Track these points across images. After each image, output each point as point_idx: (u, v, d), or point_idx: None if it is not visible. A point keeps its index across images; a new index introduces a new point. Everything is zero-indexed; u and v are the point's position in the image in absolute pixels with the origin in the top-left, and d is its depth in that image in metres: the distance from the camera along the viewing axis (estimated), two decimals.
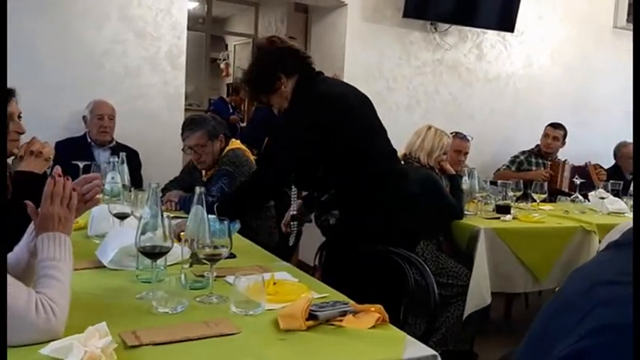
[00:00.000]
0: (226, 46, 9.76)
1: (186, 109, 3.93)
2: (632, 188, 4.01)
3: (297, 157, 2.15)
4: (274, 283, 1.64)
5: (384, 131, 2.34)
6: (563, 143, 4.49)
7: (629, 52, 5.39)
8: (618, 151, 4.77)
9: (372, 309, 1.40)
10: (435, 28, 4.52)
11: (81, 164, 2.65)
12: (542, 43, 5.01)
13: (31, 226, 1.41)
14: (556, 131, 4.45)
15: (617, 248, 0.74)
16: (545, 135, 4.47)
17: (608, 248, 0.76)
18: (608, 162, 4.87)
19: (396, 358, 1.21)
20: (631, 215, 3.53)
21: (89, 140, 3.42)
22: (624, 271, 0.67)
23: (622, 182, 3.97)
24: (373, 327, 1.35)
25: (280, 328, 1.31)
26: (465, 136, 3.58)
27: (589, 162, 4.47)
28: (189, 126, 2.86)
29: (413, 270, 1.80)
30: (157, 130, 3.73)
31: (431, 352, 1.25)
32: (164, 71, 3.74)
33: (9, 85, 1.92)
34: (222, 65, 9.49)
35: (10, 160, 2.03)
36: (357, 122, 2.18)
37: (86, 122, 3.45)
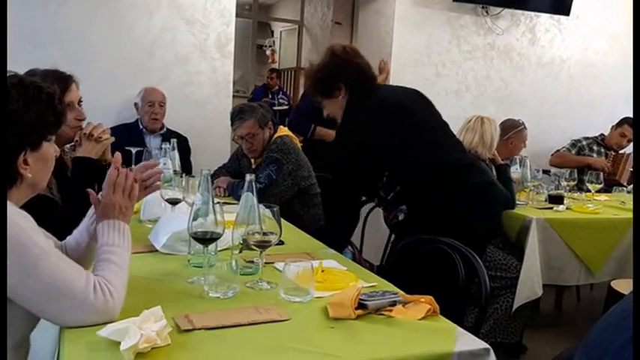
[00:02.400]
0: (272, 32, 9.79)
1: (233, 97, 3.95)
2: None
3: (356, 167, 2.22)
4: (322, 271, 1.64)
5: (445, 125, 2.37)
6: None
7: None
8: None
9: (422, 300, 1.39)
10: (487, 12, 4.40)
11: (133, 150, 2.71)
12: (600, 28, 4.80)
13: (90, 211, 1.45)
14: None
15: None
16: (622, 134, 4.26)
17: None
18: None
19: (447, 350, 1.19)
20: None
21: (141, 127, 3.49)
22: None
23: None
24: (423, 318, 1.33)
25: (330, 316, 1.31)
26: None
27: None
28: (238, 115, 2.88)
29: (463, 261, 1.77)
30: (205, 117, 3.78)
31: (483, 345, 1.23)
32: (212, 58, 3.78)
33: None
34: (268, 52, 9.54)
35: (67, 145, 2.10)
36: (415, 124, 2.23)
37: (138, 109, 3.52)
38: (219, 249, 1.72)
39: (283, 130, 2.92)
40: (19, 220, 1.13)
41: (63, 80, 1.92)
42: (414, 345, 1.20)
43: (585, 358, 0.71)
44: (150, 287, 1.47)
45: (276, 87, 7.90)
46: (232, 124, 2.89)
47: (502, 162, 3.16)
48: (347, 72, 2.24)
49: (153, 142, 3.41)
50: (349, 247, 2.68)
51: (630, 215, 3.12)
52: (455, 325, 1.30)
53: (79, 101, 2.03)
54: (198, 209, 1.57)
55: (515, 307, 2.82)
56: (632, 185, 3.79)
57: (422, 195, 2.28)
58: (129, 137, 3.20)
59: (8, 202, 1.16)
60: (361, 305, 1.34)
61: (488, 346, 1.22)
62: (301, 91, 7.56)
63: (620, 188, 3.80)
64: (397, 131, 2.17)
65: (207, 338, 1.18)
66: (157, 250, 1.79)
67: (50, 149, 1.28)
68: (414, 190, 2.31)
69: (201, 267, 1.62)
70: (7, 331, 1.15)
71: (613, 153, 4.27)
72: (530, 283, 2.83)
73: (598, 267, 2.97)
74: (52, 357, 1.38)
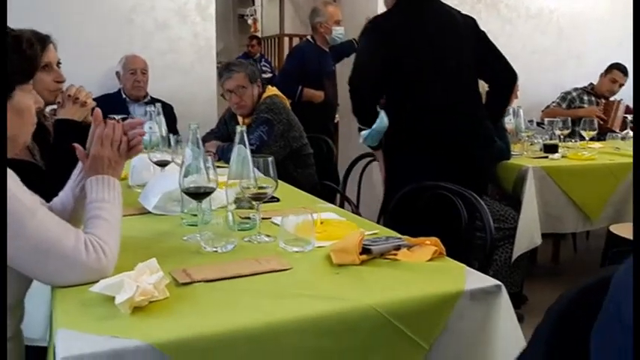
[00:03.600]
0: (253, 1, 9.59)
1: (216, 67, 3.85)
2: None
3: (359, 63, 2.31)
4: (321, 223, 1.59)
5: (444, 79, 2.33)
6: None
7: None
8: None
9: (428, 242, 1.34)
10: None
11: (118, 117, 2.62)
12: None
13: (76, 171, 1.38)
14: (624, 78, 4.22)
15: None
16: (612, 80, 4.22)
17: None
18: None
19: (458, 289, 1.14)
20: None
21: (124, 96, 3.39)
22: None
23: None
24: (430, 260, 1.29)
25: (333, 263, 1.26)
26: None
27: None
28: (227, 68, 2.79)
29: (465, 206, 1.72)
30: (190, 83, 3.67)
31: (494, 282, 1.18)
32: (193, 23, 3.66)
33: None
34: (249, 21, 9.35)
35: (48, 109, 2.01)
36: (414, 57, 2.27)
37: (119, 78, 3.41)
38: (212, 208, 1.66)
39: (272, 90, 2.83)
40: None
41: (40, 40, 1.82)
42: (423, 285, 1.16)
43: (629, 278, 0.66)
44: (143, 246, 1.41)
45: (258, 54, 7.75)
46: (221, 78, 2.80)
47: None
48: None
49: (137, 110, 3.32)
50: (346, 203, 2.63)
51: (626, 160, 3.09)
52: (464, 265, 1.26)
53: (58, 63, 1.93)
54: (189, 165, 1.50)
55: (514, 256, 2.79)
56: (625, 131, 3.76)
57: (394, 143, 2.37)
58: (112, 107, 3.09)
59: None
60: (365, 250, 1.29)
61: (499, 282, 1.18)
62: (285, 56, 7.43)
63: (613, 135, 3.77)
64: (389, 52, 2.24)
65: (208, 290, 1.12)
66: (148, 212, 1.73)
67: (25, 99, 1.18)
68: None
69: (195, 225, 1.56)
70: None
71: (603, 101, 4.24)
72: (528, 233, 2.80)
73: (596, 213, 2.95)
74: (46, 319, 1.33)
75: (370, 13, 4.15)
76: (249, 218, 1.60)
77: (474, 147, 2.35)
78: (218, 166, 2.32)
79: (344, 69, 4.30)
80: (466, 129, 2.32)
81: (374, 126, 2.36)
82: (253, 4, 9.53)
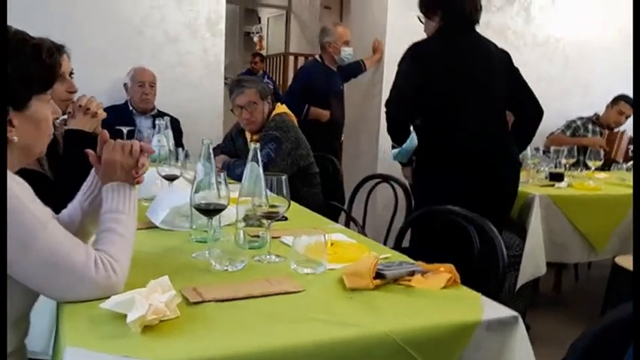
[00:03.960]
0: (259, 19, 9.66)
1: (225, 84, 3.85)
2: None
3: (397, 87, 2.46)
4: (332, 244, 1.57)
5: (475, 102, 2.45)
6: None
7: None
8: None
9: (442, 269, 1.32)
10: None
11: (125, 129, 2.61)
12: (594, 7, 4.75)
13: (85, 185, 1.36)
14: (631, 109, 4.23)
15: None
16: (619, 112, 4.23)
17: None
18: None
19: (475, 319, 1.12)
20: None
21: (131, 108, 3.38)
22: None
23: None
24: (444, 287, 1.26)
25: (346, 287, 1.24)
26: None
27: None
28: (239, 84, 2.79)
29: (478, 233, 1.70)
30: (197, 98, 3.67)
31: (511, 312, 1.16)
32: (203, 38, 3.67)
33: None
34: (255, 38, 9.41)
35: (58, 119, 1.99)
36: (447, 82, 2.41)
37: (127, 90, 3.41)
38: (222, 224, 1.63)
39: (282, 108, 2.82)
40: (13, 186, 1.04)
41: (58, 49, 1.81)
42: (439, 314, 1.13)
43: None
44: (151, 262, 1.39)
45: (261, 71, 7.78)
46: (231, 94, 2.79)
47: None
48: (450, 2, 2.45)
49: (144, 123, 3.30)
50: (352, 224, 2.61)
51: (631, 191, 3.08)
52: (479, 293, 1.24)
53: (70, 73, 1.92)
54: (201, 181, 1.48)
55: (519, 284, 2.77)
56: (630, 162, 3.76)
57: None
58: (119, 119, 3.09)
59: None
60: (379, 275, 1.26)
61: (516, 313, 1.15)
62: (291, 75, 7.46)
63: (617, 165, 3.77)
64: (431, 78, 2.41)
65: (219, 310, 1.10)
66: (155, 227, 1.70)
67: (42, 109, 1.16)
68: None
69: (204, 242, 1.54)
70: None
71: (607, 131, 4.24)
72: (534, 261, 2.78)
73: (602, 244, 2.94)
74: (51, 333, 1.29)
75: (379, 35, 4.19)
76: (258, 237, 1.58)
77: (502, 167, 2.47)
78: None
79: (351, 89, 4.32)
80: (495, 150, 2.45)
81: (404, 145, 2.54)
82: (259, 22, 9.60)
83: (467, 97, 2.42)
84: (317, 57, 4.02)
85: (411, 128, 2.54)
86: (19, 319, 1.14)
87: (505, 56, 2.59)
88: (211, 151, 1.54)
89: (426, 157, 2.51)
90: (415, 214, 1.91)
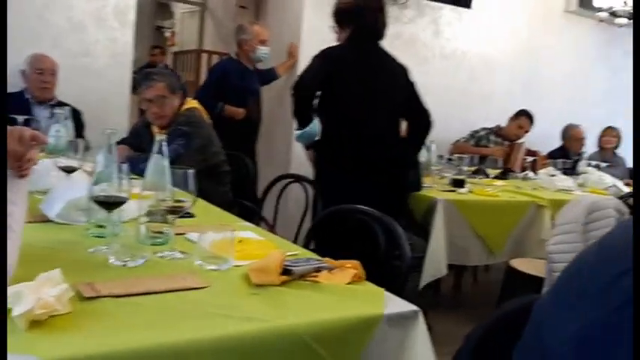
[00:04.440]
0: (172, 14, 9.40)
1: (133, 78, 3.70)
2: (579, 167, 4.12)
3: (304, 76, 2.67)
4: (240, 241, 1.54)
5: (376, 109, 2.65)
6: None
7: (578, 36, 5.52)
8: (566, 133, 4.90)
9: (349, 265, 1.33)
10: (395, 0, 4.46)
11: (20, 119, 2.44)
12: (497, 23, 5.03)
13: None
14: (530, 125, 4.51)
15: None
16: (519, 126, 4.50)
17: None
18: (554, 144, 5.00)
19: (377, 312, 1.13)
20: (578, 192, 3.61)
21: (28, 96, 3.17)
22: None
23: (570, 161, 4.09)
24: (350, 283, 1.27)
25: (252, 283, 1.22)
26: None
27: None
28: (147, 77, 2.67)
29: (383, 233, 1.73)
30: (102, 89, 3.50)
31: (412, 307, 1.19)
32: (111, 27, 3.51)
33: None
34: (167, 34, 9.14)
35: None
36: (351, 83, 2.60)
37: (24, 77, 3.19)
38: (123, 219, 1.56)
39: (192, 103, 2.74)
40: None
41: None
42: (342, 308, 1.14)
43: (555, 307, 0.67)
44: (44, 257, 1.29)
45: (162, 64, 7.47)
46: (140, 87, 2.68)
47: None
48: (361, 18, 2.67)
49: (42, 113, 3.10)
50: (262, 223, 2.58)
51: (526, 198, 3.28)
52: (383, 289, 1.26)
53: None
54: (101, 172, 1.41)
55: (422, 285, 2.86)
56: (525, 172, 4.00)
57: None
58: (14, 108, 2.89)
59: None
60: (286, 271, 1.25)
61: (417, 308, 1.18)
62: (204, 73, 7.31)
63: (514, 175, 4.00)
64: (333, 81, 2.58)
65: (116, 306, 1.04)
66: (50, 221, 1.59)
67: None
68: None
69: (102, 237, 1.46)
70: None
71: (507, 143, 4.51)
72: (436, 262, 2.88)
73: (499, 247, 3.09)
74: None
75: (294, 37, 4.21)
76: (161, 233, 1.52)
77: (395, 170, 2.73)
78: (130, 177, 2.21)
79: (266, 90, 4.29)
80: (389, 155, 2.69)
81: (307, 128, 2.70)
82: (172, 17, 9.34)
83: (368, 103, 2.62)
84: (233, 55, 3.97)
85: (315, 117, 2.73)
86: None
87: (404, 70, 2.83)
88: (114, 141, 1.47)
89: (326, 154, 2.71)
90: (323, 214, 1.92)
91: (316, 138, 2.76)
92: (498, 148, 4.40)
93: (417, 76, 4.66)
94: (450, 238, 2.95)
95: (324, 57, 2.64)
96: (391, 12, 4.47)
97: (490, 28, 5.00)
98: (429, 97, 4.60)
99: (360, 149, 2.60)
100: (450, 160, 3.91)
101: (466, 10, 4.75)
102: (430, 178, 3.38)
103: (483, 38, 5.00)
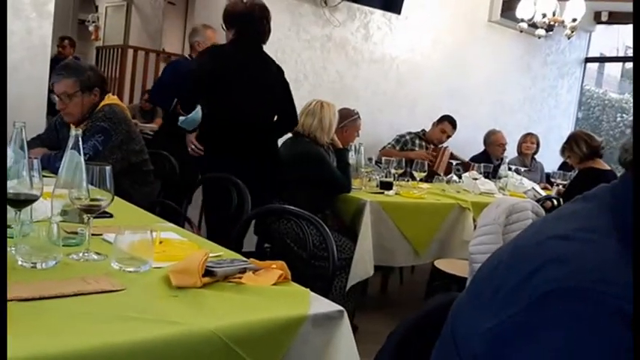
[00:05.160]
0: (97, 7, 9.04)
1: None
2: (500, 171, 4.29)
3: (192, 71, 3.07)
4: (160, 242, 1.48)
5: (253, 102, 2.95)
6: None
7: (501, 45, 5.76)
8: (488, 139, 5.09)
9: (274, 266, 1.30)
10: (325, 2, 4.47)
11: None
12: (425, 30, 5.16)
13: None
14: (453, 130, 4.67)
15: (583, 200, 0.69)
16: (442, 130, 4.64)
17: (575, 201, 0.70)
18: (476, 149, 5.18)
19: (301, 313, 1.11)
20: (499, 195, 3.75)
21: None
22: (584, 228, 0.62)
23: (492, 166, 4.24)
24: (275, 284, 1.25)
25: (172, 285, 1.17)
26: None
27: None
28: (59, 70, 2.53)
29: (311, 228, 1.72)
30: (17, 83, 3.29)
31: (337, 307, 1.18)
32: (28, 18, 3.31)
33: None
34: (90, 28, 8.78)
35: None
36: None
37: None
38: (34, 220, 1.46)
39: (112, 99, 2.62)
40: None
41: None
42: (267, 310, 1.11)
43: (470, 305, 0.67)
44: None
45: (70, 56, 7.07)
46: (51, 79, 2.54)
47: (341, 147, 3.23)
48: (244, 24, 2.96)
49: None
50: (187, 224, 2.51)
51: (450, 201, 3.37)
52: (308, 289, 1.24)
53: None
54: (10, 168, 1.32)
55: (349, 285, 2.87)
56: (449, 175, 4.12)
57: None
58: None
59: None
60: (208, 272, 1.21)
61: (342, 308, 1.17)
62: (129, 69, 7.06)
63: (439, 178, 4.11)
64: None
65: (21, 311, 0.96)
66: None
67: None
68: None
69: (10, 237, 1.36)
70: None
71: (432, 146, 4.63)
72: (363, 263, 2.90)
73: (423, 248, 3.16)
74: None
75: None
76: (76, 233, 1.44)
77: (265, 154, 3.04)
78: (44, 176, 2.09)
79: None
80: (259, 140, 3.00)
81: (190, 114, 3.05)
82: (96, 11, 8.98)
83: (244, 97, 2.92)
84: (187, 55, 4.04)
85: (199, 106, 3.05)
86: None
87: (280, 72, 3.12)
88: (24, 135, 1.38)
89: (207, 137, 3.02)
90: (252, 213, 1.88)
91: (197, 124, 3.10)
92: (423, 152, 4.52)
93: (347, 79, 4.76)
94: (377, 240, 2.98)
95: (209, 55, 3.05)
96: (322, 14, 4.52)
97: (418, 35, 5.12)
98: (358, 100, 4.71)
99: (235, 134, 2.91)
100: (378, 163, 3.97)
101: (396, 16, 4.84)
102: (359, 181, 3.41)
103: (411, 44, 5.11)
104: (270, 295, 1.19)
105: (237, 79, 2.91)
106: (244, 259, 1.37)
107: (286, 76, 4.34)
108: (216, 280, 1.21)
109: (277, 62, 4.62)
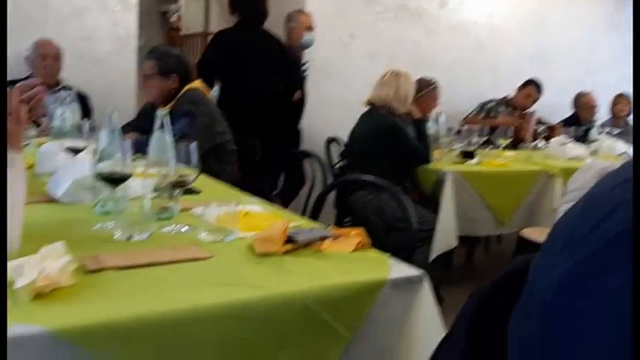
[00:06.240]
0: None
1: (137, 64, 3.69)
2: (591, 134, 4.07)
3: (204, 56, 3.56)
4: (245, 214, 1.54)
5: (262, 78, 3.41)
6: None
7: (585, 4, 5.41)
8: (577, 101, 4.83)
9: (353, 233, 1.32)
10: None
11: None
12: None
13: None
14: (538, 94, 4.46)
15: None
16: (527, 95, 4.45)
17: None
18: (564, 113, 4.93)
19: (381, 277, 1.13)
20: (589, 159, 3.56)
21: None
22: None
23: (582, 129, 4.03)
24: (354, 250, 1.27)
25: (256, 253, 1.22)
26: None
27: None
28: (148, 53, 2.68)
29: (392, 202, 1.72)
30: (106, 74, 3.50)
31: (417, 271, 1.18)
32: (114, 11, 3.50)
33: None
34: (173, 18, 9.09)
35: None
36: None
37: (29, 63, 3.20)
38: (128, 197, 1.56)
39: (195, 83, 2.73)
40: None
41: None
42: (346, 275, 1.13)
43: (543, 260, 0.66)
44: (49, 234, 1.28)
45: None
46: None
47: (419, 117, 3.18)
48: (244, 6, 3.47)
49: (48, 99, 3.11)
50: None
51: (536, 168, 3.25)
52: (387, 255, 1.25)
53: None
54: (104, 150, 1.41)
55: (432, 257, 2.85)
56: (535, 142, 3.96)
57: None
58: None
59: None
60: (289, 240, 1.25)
61: (422, 272, 1.18)
62: None
63: (526, 145, 3.96)
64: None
65: (120, 278, 1.05)
66: (56, 201, 1.61)
67: None
68: None
69: (108, 214, 1.47)
70: None
71: (517, 112, 4.45)
72: (446, 235, 2.87)
73: (508, 216, 3.07)
74: None
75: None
76: (167, 208, 1.53)
77: (280, 127, 3.57)
78: (137, 158, 2.23)
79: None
80: (274, 112, 3.50)
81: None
82: (177, 2, 9.28)
83: (255, 74, 3.33)
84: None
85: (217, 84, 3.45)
86: None
87: (281, 46, 3.56)
88: (116, 120, 1.47)
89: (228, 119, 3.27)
90: (330, 184, 1.91)
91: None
92: (508, 118, 4.35)
93: (424, 48, 4.65)
94: (459, 210, 2.93)
95: (218, 38, 3.53)
96: None
97: None
98: (436, 69, 4.60)
99: (248, 108, 3.32)
100: (459, 132, 3.88)
101: None
102: (439, 151, 3.35)
103: (490, 8, 4.92)
104: (350, 261, 1.21)
105: (245, 58, 3.32)
106: (323, 227, 1.40)
107: (361, 50, 4.43)
108: (297, 247, 1.25)
109: (352, 38, 4.63)
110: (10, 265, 0.95)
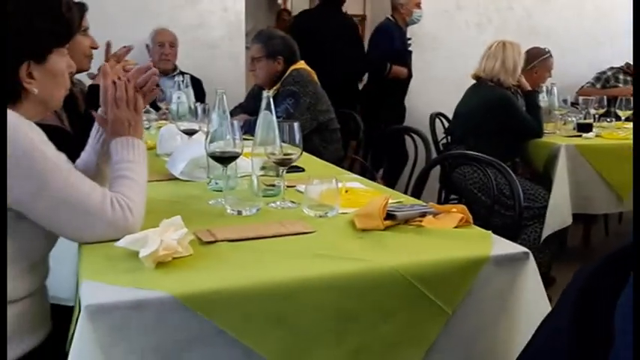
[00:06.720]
0: None
1: (246, 48, 3.84)
2: None
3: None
4: (346, 191, 1.58)
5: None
6: None
7: None
8: None
9: (455, 209, 1.32)
10: None
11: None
12: None
13: (94, 130, 1.40)
14: None
15: None
16: None
17: None
18: None
19: (483, 254, 1.12)
20: None
21: None
22: None
23: None
24: (456, 227, 1.27)
25: (357, 228, 1.25)
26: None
27: None
28: (255, 36, 2.81)
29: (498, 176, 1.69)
30: (218, 59, 3.68)
31: (521, 249, 1.16)
32: None
33: None
34: (279, 1, 9.28)
35: (75, 77, 2.02)
36: None
37: (149, 51, 3.44)
38: (238, 175, 1.66)
39: (300, 64, 2.80)
40: (27, 130, 1.07)
41: (78, 5, 1.83)
42: (448, 250, 1.14)
43: None
44: (168, 208, 1.40)
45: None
46: None
47: (530, 89, 3.04)
48: None
49: (166, 83, 3.31)
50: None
51: None
52: (490, 231, 1.23)
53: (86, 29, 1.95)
54: (215, 131, 1.50)
55: (544, 236, 2.74)
56: None
57: None
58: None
59: (15, 114, 1.09)
60: (390, 216, 1.27)
61: (527, 250, 1.15)
62: None
63: None
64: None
65: (231, 249, 1.13)
66: (174, 179, 1.74)
67: (60, 63, 1.18)
68: None
69: (221, 190, 1.57)
70: (22, 250, 1.11)
71: None
72: (559, 212, 2.74)
73: (628, 192, 2.86)
74: (74, 277, 1.35)
75: None
76: (273, 185, 1.60)
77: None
78: (245, 139, 2.34)
79: None
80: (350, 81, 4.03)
81: None
82: None
83: (335, 51, 3.69)
84: (389, 17, 4.12)
85: None
86: (39, 262, 1.19)
87: (355, 27, 4.07)
88: (225, 102, 1.56)
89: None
90: (432, 160, 1.90)
91: None
92: (630, 87, 4.02)
93: (536, 16, 4.40)
94: (574, 186, 2.79)
95: (299, 21, 4.10)
96: None
97: None
98: (550, 39, 4.34)
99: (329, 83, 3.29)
100: (574, 104, 3.66)
101: None
102: (552, 124, 3.20)
103: None
104: (451, 237, 1.21)
105: (329, 36, 3.73)
106: (424, 203, 1.41)
107: (468, 20, 4.31)
108: (398, 223, 1.27)
109: (459, 8, 4.59)
110: (135, 236, 1.05)
